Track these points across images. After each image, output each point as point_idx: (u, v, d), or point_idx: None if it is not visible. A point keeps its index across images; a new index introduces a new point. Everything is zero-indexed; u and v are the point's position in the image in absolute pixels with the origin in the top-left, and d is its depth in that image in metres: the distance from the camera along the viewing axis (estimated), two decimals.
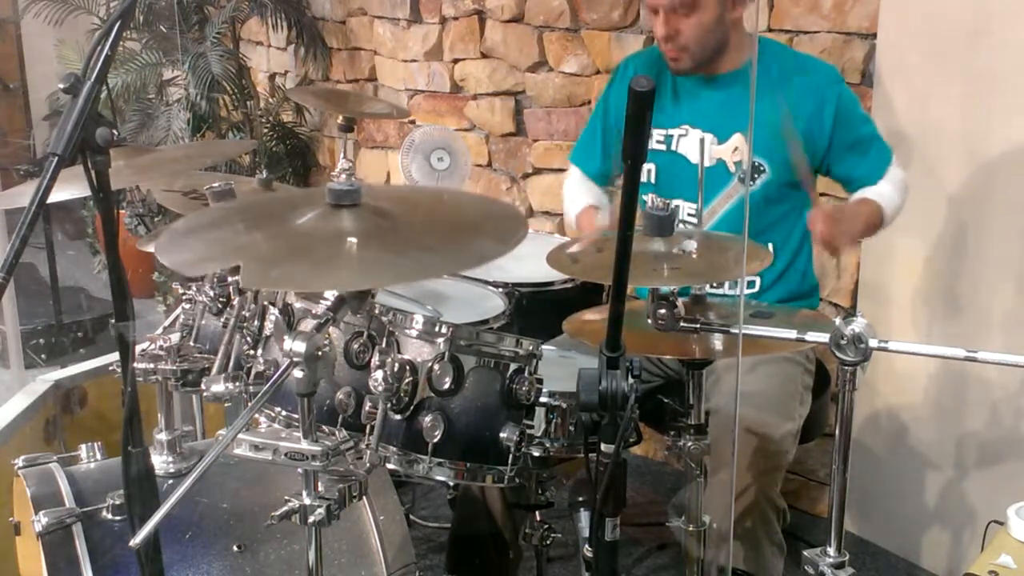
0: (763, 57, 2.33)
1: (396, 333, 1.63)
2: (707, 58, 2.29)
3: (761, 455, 2.10)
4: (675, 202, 2.31)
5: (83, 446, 1.82)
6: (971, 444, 2.64)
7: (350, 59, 4.49)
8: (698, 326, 1.65)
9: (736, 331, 1.66)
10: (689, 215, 2.32)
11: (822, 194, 2.64)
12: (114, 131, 1.21)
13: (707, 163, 2.31)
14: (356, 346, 1.61)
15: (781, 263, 2.36)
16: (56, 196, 1.31)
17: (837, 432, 1.48)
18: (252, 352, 1.78)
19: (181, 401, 2.00)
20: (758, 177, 2.30)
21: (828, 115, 2.27)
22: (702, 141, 2.24)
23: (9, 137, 5.49)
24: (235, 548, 1.64)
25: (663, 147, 2.36)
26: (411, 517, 2.88)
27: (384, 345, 1.62)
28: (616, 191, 2.52)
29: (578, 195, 2.57)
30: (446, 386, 1.62)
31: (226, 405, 1.84)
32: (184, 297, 2.02)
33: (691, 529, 1.84)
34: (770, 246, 2.29)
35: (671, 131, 2.36)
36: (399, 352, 1.62)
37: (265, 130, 4.81)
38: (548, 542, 2.12)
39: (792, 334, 1.57)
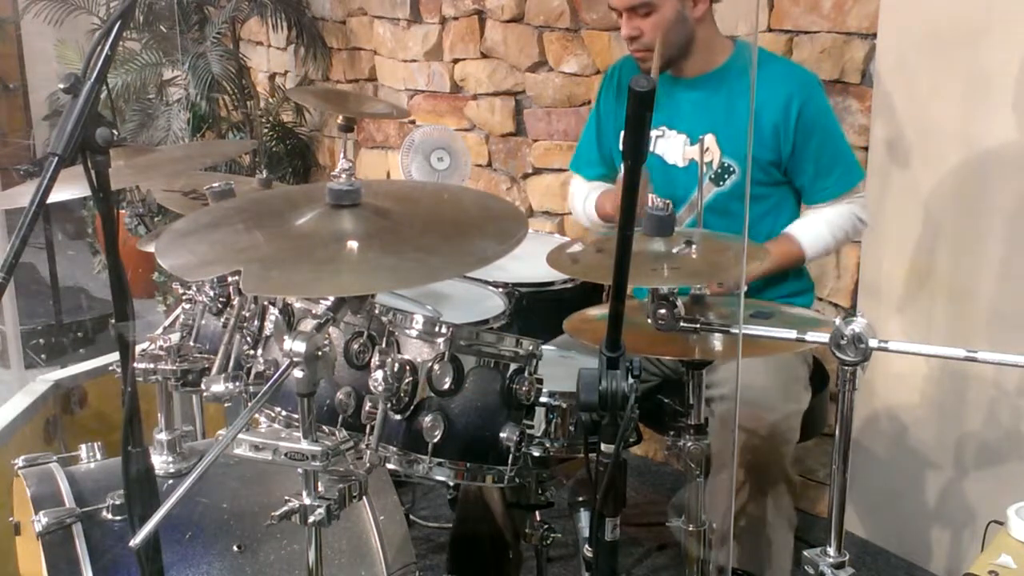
0: (737, 61, 2.35)
1: (396, 333, 1.63)
2: (674, 56, 2.31)
3: (767, 435, 2.11)
4: None
5: (83, 446, 1.82)
6: (971, 444, 2.64)
7: (350, 59, 4.49)
8: (698, 326, 1.65)
9: (736, 331, 1.66)
10: None
11: None
12: (114, 131, 1.22)
13: (682, 164, 2.36)
14: (356, 346, 1.61)
15: None
16: (56, 196, 1.31)
17: (837, 432, 1.49)
18: (252, 352, 1.78)
19: (181, 401, 2.00)
20: (728, 178, 2.32)
21: (793, 117, 2.25)
22: (702, 141, 2.26)
23: (9, 137, 5.48)
24: (235, 548, 1.64)
25: None
26: (411, 517, 2.88)
27: (384, 345, 1.62)
28: None
29: (586, 191, 2.59)
30: (446, 386, 1.62)
31: (226, 405, 1.84)
32: (184, 297, 2.02)
33: (691, 529, 1.85)
34: None
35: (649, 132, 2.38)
36: (399, 352, 1.62)
37: (265, 130, 4.81)
38: (548, 542, 2.11)
39: (792, 334, 1.58)
